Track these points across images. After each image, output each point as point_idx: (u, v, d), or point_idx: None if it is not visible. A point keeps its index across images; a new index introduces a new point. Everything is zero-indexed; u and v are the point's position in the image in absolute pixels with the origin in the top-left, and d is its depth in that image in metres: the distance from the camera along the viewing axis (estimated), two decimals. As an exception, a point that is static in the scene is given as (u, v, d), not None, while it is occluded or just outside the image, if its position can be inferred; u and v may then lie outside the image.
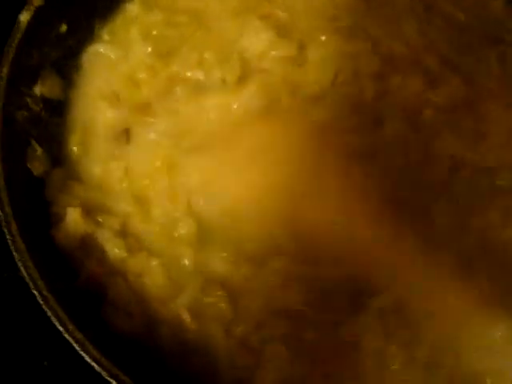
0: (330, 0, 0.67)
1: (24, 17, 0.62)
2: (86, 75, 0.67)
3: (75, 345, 0.50)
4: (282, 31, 0.66)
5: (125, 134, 0.64)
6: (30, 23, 0.62)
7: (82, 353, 0.50)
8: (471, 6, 0.70)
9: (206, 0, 0.69)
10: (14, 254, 0.53)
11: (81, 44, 0.68)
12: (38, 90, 0.64)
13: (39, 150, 0.62)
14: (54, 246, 0.58)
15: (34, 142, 0.62)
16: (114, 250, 0.58)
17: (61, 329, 0.50)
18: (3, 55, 0.60)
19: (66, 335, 0.50)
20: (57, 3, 0.64)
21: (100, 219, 0.60)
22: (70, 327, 0.51)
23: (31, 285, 0.52)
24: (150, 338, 0.56)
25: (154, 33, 0.68)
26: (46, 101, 0.64)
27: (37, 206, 0.60)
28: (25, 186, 0.59)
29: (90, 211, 0.60)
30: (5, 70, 0.60)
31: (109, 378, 0.49)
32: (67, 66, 0.67)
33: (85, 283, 0.57)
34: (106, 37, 0.69)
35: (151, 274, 0.58)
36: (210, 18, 0.68)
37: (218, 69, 0.64)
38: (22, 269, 0.53)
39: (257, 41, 0.65)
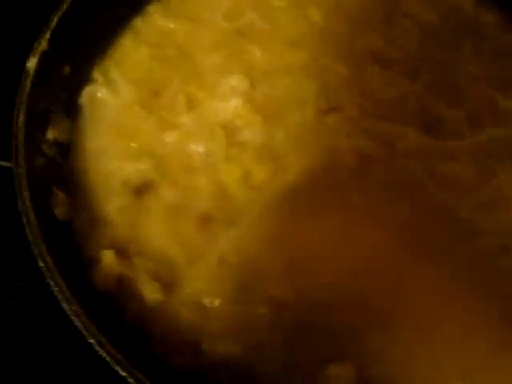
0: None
1: (31, 63, 0.62)
2: (88, 117, 0.67)
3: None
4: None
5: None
6: (37, 69, 0.62)
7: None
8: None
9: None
10: (64, 304, 0.53)
11: (81, 85, 0.68)
12: (50, 134, 0.64)
13: (61, 195, 0.62)
14: (93, 289, 0.58)
15: (54, 189, 0.62)
16: (152, 294, 0.58)
17: (124, 374, 0.51)
18: (18, 103, 0.60)
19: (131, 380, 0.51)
20: (60, 46, 0.64)
21: (134, 261, 0.60)
22: (135, 373, 0.51)
23: (86, 334, 0.52)
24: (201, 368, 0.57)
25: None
26: (58, 145, 0.64)
27: (67, 251, 0.59)
28: (54, 233, 0.59)
29: (123, 252, 0.60)
30: (21, 118, 0.60)
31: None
32: (74, 108, 0.67)
33: (130, 323, 0.57)
34: (99, 78, 0.69)
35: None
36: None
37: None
38: (73, 318, 0.53)
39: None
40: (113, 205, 0.63)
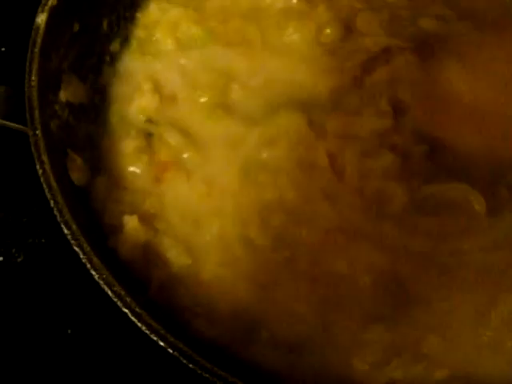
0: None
1: (41, 19, 0.58)
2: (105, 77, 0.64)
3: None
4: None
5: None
6: (47, 25, 0.58)
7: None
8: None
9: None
10: (93, 272, 0.50)
11: (93, 43, 0.64)
12: (62, 95, 0.60)
13: (78, 160, 0.58)
14: (116, 258, 0.55)
15: (70, 152, 0.58)
16: (178, 257, 0.56)
17: (162, 344, 0.48)
18: (30, 62, 0.56)
19: (170, 350, 0.48)
20: (69, 1, 0.60)
21: (158, 226, 0.57)
22: (171, 339, 0.48)
23: (120, 303, 0.49)
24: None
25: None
26: (71, 106, 0.61)
27: (88, 218, 0.56)
28: (74, 199, 0.55)
29: (145, 218, 0.57)
30: (34, 77, 0.56)
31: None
32: (84, 67, 0.63)
33: (157, 294, 0.55)
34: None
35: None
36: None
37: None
38: (105, 287, 0.50)
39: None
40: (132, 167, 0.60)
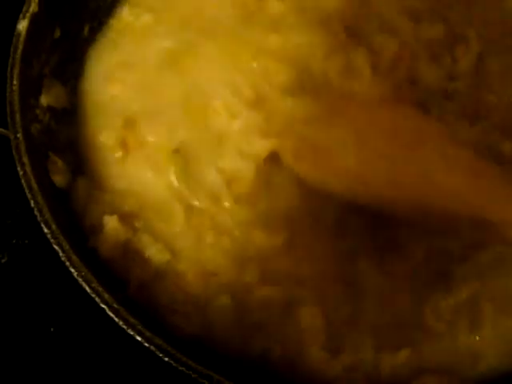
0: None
1: (22, 25, 0.60)
2: (84, 80, 0.66)
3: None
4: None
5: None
6: (28, 31, 0.60)
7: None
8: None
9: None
10: (72, 270, 0.52)
11: (74, 48, 0.66)
12: (43, 100, 0.62)
13: (59, 162, 0.60)
14: (96, 258, 0.57)
15: (52, 155, 0.60)
16: (157, 254, 0.57)
17: (139, 338, 0.50)
18: (11, 67, 0.58)
19: (147, 344, 0.50)
20: (50, 8, 0.62)
21: (137, 225, 0.59)
22: (148, 334, 0.50)
23: (98, 299, 0.51)
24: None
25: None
26: (52, 110, 0.63)
27: (69, 218, 0.58)
28: (55, 200, 0.57)
29: (125, 217, 0.59)
30: (15, 82, 0.58)
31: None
32: (66, 72, 0.65)
33: (136, 292, 0.56)
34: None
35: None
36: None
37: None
38: (83, 284, 0.51)
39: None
40: (111, 169, 0.61)
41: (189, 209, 0.59)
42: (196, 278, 0.57)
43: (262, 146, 0.61)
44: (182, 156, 0.61)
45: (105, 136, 0.62)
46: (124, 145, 0.62)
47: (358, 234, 0.60)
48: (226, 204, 0.60)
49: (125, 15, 0.69)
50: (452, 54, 0.67)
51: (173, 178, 0.60)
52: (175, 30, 0.67)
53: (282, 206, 0.60)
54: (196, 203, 0.60)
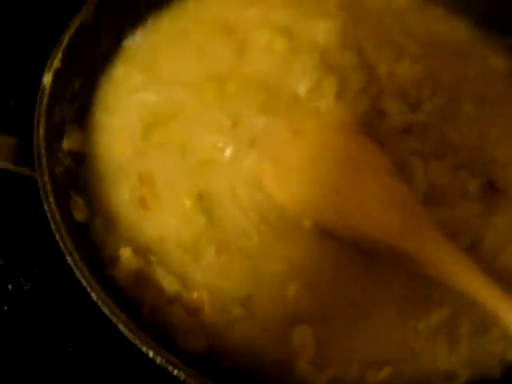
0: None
1: (46, 80, 0.68)
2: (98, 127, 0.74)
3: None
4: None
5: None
6: (52, 84, 0.68)
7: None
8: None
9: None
10: (92, 294, 0.59)
11: (91, 98, 0.74)
12: (65, 144, 0.69)
13: (79, 201, 0.67)
14: (113, 285, 0.64)
15: (73, 194, 0.67)
16: (170, 286, 0.64)
17: (151, 355, 0.57)
18: (38, 117, 0.66)
19: (159, 361, 0.57)
20: (71, 64, 0.70)
21: (152, 258, 0.65)
22: (160, 350, 0.57)
23: (116, 320, 0.58)
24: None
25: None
26: (72, 154, 0.70)
27: (89, 251, 0.65)
28: (76, 233, 0.64)
29: (139, 250, 0.66)
30: (41, 130, 0.66)
31: None
32: (83, 120, 0.73)
33: (148, 315, 0.63)
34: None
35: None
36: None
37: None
38: (102, 307, 0.58)
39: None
40: (129, 216, 0.68)
41: (219, 246, 0.66)
42: (211, 308, 0.64)
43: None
44: (205, 202, 0.68)
45: (120, 192, 0.69)
46: (141, 200, 0.68)
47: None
48: (253, 238, 0.67)
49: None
50: (421, 94, 0.74)
51: (201, 223, 0.67)
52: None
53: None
54: (225, 241, 0.66)
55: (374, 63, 0.75)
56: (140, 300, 0.64)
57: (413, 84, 0.74)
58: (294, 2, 0.81)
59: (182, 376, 0.56)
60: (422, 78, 0.75)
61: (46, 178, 0.63)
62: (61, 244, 0.60)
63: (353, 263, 0.66)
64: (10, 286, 0.72)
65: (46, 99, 0.67)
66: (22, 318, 0.71)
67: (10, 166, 0.66)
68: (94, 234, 0.67)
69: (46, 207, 0.62)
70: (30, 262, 0.74)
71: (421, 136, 0.72)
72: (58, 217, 0.62)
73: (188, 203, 0.68)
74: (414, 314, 0.64)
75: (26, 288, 0.73)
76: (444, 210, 0.68)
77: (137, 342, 0.57)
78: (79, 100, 0.72)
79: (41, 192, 0.63)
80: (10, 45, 0.86)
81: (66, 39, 0.70)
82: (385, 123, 0.72)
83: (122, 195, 0.69)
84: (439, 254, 0.62)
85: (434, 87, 0.75)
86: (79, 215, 0.67)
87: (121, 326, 0.58)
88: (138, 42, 0.78)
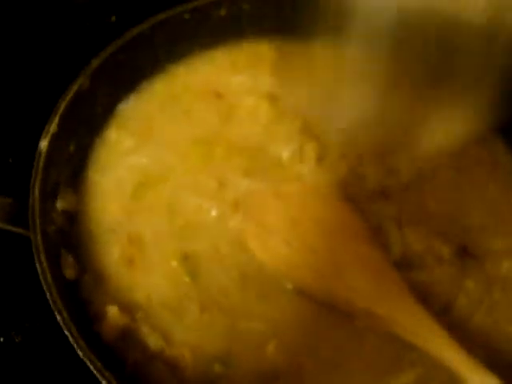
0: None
1: (43, 144, 0.72)
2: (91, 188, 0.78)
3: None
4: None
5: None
6: (49, 148, 0.72)
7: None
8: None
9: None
10: (79, 352, 0.62)
11: (85, 160, 0.78)
12: (58, 204, 0.73)
13: (70, 258, 0.71)
14: (99, 340, 0.67)
15: (64, 252, 0.71)
16: (154, 343, 0.67)
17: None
18: (34, 179, 0.70)
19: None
20: (67, 128, 0.74)
21: (138, 316, 0.68)
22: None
23: (100, 377, 0.61)
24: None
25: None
26: (65, 213, 0.73)
27: (77, 306, 0.68)
28: (66, 291, 0.67)
29: (126, 308, 0.69)
30: (36, 191, 0.69)
31: None
32: (77, 181, 0.77)
33: (132, 371, 0.66)
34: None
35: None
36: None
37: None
38: (88, 363, 0.61)
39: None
40: (117, 274, 0.71)
41: (202, 305, 0.69)
42: (192, 365, 0.67)
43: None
44: (190, 262, 0.71)
45: (110, 251, 0.72)
46: (130, 259, 0.71)
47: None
48: (235, 297, 0.70)
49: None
50: (399, 159, 0.78)
51: (186, 283, 0.70)
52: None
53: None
54: (208, 300, 0.69)
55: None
56: (125, 355, 0.67)
57: (391, 149, 0.78)
58: (281, 69, 0.85)
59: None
60: (401, 143, 0.78)
61: (39, 237, 0.67)
62: (51, 302, 0.63)
63: (330, 323, 0.69)
64: (1, 339, 0.75)
65: (41, 162, 0.71)
66: (13, 370, 0.74)
67: (3, 225, 0.69)
68: (83, 290, 0.70)
69: (37, 266, 0.65)
70: (21, 317, 0.77)
71: (397, 201, 0.76)
72: (48, 276, 0.65)
73: (174, 264, 0.71)
74: (386, 372, 0.67)
75: (17, 341, 0.75)
76: (420, 274, 0.72)
77: (120, 398, 0.60)
78: (74, 162, 0.76)
79: (33, 251, 0.66)
80: (9, 104, 0.90)
81: (62, 105, 0.74)
82: (363, 187, 0.76)
83: (112, 254, 0.72)
84: (409, 318, 0.66)
85: (412, 153, 0.78)
86: (69, 272, 0.70)
87: (104, 383, 0.60)
88: (131, 106, 0.82)
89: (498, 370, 0.63)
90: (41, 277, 0.65)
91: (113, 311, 0.68)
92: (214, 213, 0.74)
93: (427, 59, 0.72)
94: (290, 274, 0.70)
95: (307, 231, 0.71)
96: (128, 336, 0.68)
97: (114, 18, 0.97)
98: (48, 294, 0.64)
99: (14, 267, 0.78)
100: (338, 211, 0.73)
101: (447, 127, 0.76)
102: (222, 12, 0.86)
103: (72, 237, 0.73)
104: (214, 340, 0.68)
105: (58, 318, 0.63)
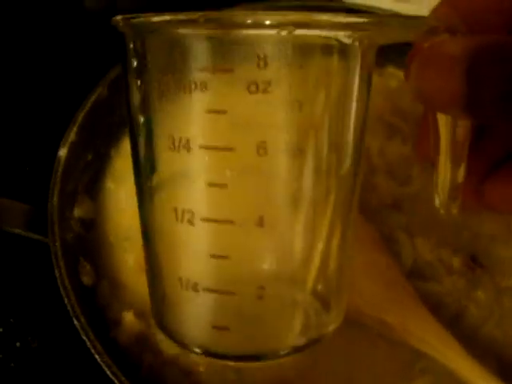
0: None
1: (62, 152, 0.74)
2: (107, 196, 0.79)
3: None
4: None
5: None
6: (67, 157, 0.74)
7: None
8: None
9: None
10: (96, 356, 0.63)
11: (103, 168, 0.80)
12: (76, 212, 0.75)
13: (87, 266, 0.72)
14: (116, 346, 0.68)
15: (81, 259, 0.72)
16: (168, 348, 0.68)
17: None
18: (53, 187, 0.71)
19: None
20: (85, 137, 0.76)
21: (152, 322, 0.68)
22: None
23: (116, 381, 0.62)
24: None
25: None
26: (82, 221, 0.75)
27: (94, 313, 0.70)
28: (83, 297, 0.69)
29: (141, 314, 0.70)
30: (55, 199, 0.71)
31: None
32: (94, 189, 0.78)
33: (147, 375, 0.67)
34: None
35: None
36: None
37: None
38: (105, 368, 0.63)
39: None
40: (129, 273, 0.73)
41: None
42: (207, 370, 0.67)
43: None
44: None
45: (125, 258, 0.74)
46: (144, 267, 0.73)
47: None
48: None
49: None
50: (410, 170, 0.79)
51: None
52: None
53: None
54: None
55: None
56: (140, 360, 0.68)
57: (403, 161, 0.79)
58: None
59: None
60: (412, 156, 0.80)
61: (57, 244, 0.68)
62: (69, 307, 0.65)
63: (338, 332, 0.70)
64: (18, 344, 0.76)
65: (60, 170, 0.72)
66: (30, 374, 0.76)
67: (21, 231, 0.71)
68: (100, 296, 0.71)
69: (56, 272, 0.67)
70: (37, 322, 0.78)
71: (408, 211, 0.77)
72: (67, 282, 0.66)
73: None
74: (396, 381, 0.68)
75: (33, 346, 0.77)
76: (430, 284, 0.73)
77: (134, 401, 0.61)
78: (91, 170, 0.78)
79: (52, 257, 0.68)
80: (27, 114, 0.91)
81: (81, 115, 0.76)
82: (375, 197, 0.77)
83: (127, 261, 0.74)
84: (421, 327, 0.67)
85: (423, 165, 0.79)
86: (87, 279, 0.71)
87: (120, 387, 0.62)
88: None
89: (509, 382, 0.64)
90: (59, 282, 0.66)
91: (129, 317, 0.69)
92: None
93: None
94: None
95: None
96: (143, 341, 0.69)
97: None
98: (66, 300, 0.65)
99: (30, 273, 0.79)
100: None
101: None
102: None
103: (89, 244, 0.75)
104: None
105: (76, 323, 0.64)
